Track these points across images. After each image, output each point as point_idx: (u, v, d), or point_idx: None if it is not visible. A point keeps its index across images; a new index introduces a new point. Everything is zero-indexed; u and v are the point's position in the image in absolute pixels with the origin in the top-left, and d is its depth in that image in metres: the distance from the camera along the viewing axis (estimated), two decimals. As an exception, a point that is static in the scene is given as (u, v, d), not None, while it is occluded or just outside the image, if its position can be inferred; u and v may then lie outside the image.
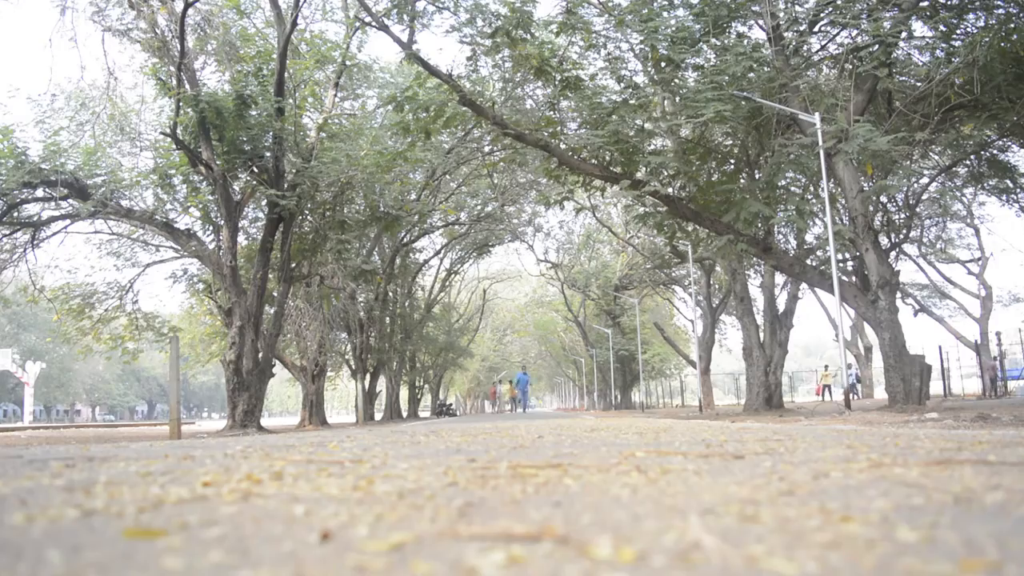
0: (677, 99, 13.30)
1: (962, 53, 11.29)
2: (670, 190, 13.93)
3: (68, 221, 15.34)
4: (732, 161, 15.64)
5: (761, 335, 17.41)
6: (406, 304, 28.73)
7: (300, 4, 14.11)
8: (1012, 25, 11.32)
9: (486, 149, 20.75)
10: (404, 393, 33.23)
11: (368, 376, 23.59)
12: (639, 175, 13.25)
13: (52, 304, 17.89)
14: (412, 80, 14.04)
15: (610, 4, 14.21)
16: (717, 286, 25.75)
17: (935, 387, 19.34)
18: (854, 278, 14.47)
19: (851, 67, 12.11)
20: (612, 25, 13.47)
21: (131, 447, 4.84)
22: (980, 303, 29.46)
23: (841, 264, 16.30)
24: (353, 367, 23.55)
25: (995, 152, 16.26)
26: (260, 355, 13.88)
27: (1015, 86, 11.83)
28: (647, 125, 14.22)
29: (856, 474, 1.99)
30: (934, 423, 6.74)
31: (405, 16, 13.45)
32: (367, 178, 15.75)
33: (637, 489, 1.77)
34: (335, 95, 17.11)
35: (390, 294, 25.89)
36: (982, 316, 29.06)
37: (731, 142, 15.61)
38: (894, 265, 15.13)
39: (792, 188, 16.49)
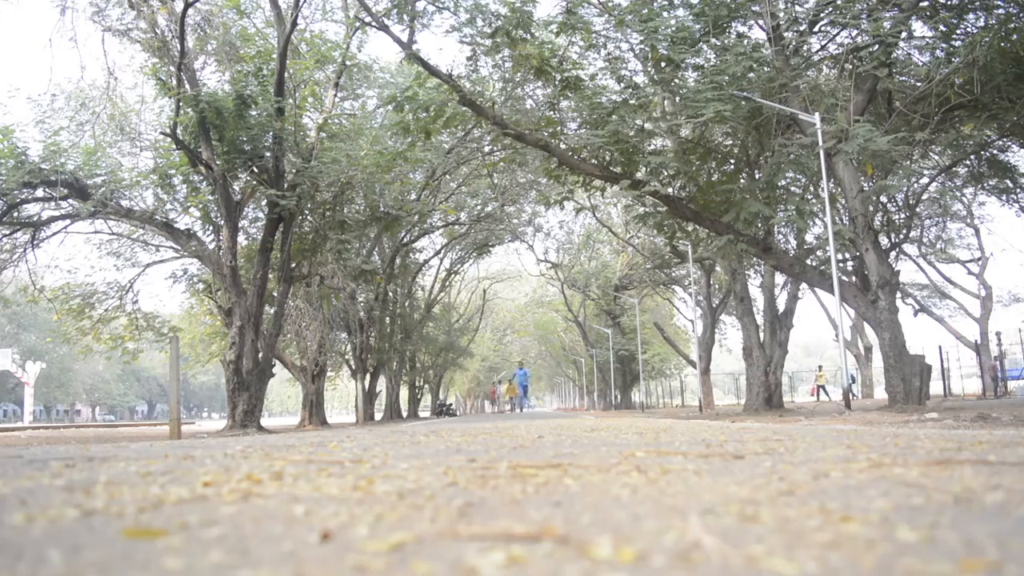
0: (677, 99, 13.31)
1: (962, 53, 11.29)
2: (670, 190, 13.94)
3: (68, 221, 15.34)
4: (732, 161, 15.64)
5: (761, 335, 17.41)
6: (406, 304, 28.73)
7: (300, 4, 14.11)
8: (1012, 25, 11.31)
9: (486, 149, 20.75)
10: (404, 393, 33.23)
11: (368, 376, 23.59)
12: (639, 175, 13.25)
13: (52, 304, 17.89)
14: (412, 80, 14.04)
15: (610, 4, 14.21)
16: (717, 286, 25.75)
17: (935, 387, 19.34)
18: (854, 278, 14.47)
19: (851, 67, 12.11)
20: (612, 25, 13.47)
21: (131, 447, 4.84)
22: (980, 303, 29.47)
23: (841, 264, 16.30)
24: (353, 367, 23.56)
25: (995, 152, 16.26)
26: (260, 355, 13.88)
27: (1015, 86, 11.83)
28: (647, 125, 14.22)
29: (856, 474, 1.99)
30: (934, 423, 6.74)
31: (405, 16, 13.45)
32: (367, 178, 15.75)
33: (637, 489, 1.77)
34: (335, 95, 17.11)
35: (390, 294, 25.89)
36: (982, 316, 29.07)
37: (731, 142, 15.61)
38: (894, 265, 15.14)
39: (792, 188, 16.49)
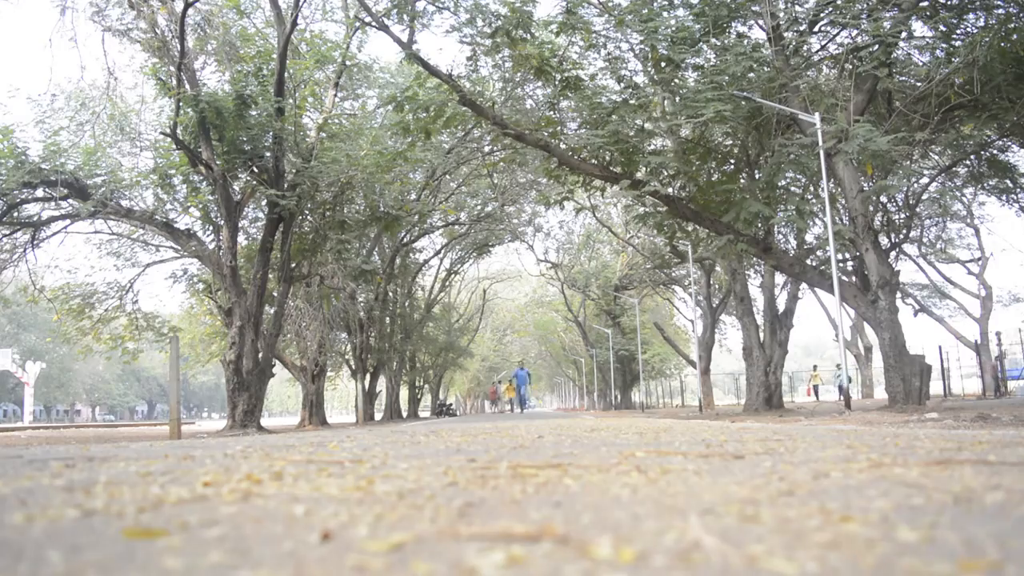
0: (677, 99, 13.30)
1: (962, 53, 11.28)
2: (670, 190, 13.93)
3: (68, 221, 15.34)
4: (732, 161, 15.63)
5: (761, 335, 17.41)
6: (406, 304, 28.73)
7: (300, 4, 14.11)
8: (1012, 25, 11.31)
9: (486, 149, 20.75)
10: (404, 393, 33.23)
11: (368, 376, 23.59)
12: (639, 175, 13.24)
13: (52, 304, 17.89)
14: (412, 80, 14.04)
15: (610, 4, 14.21)
16: (717, 286, 25.75)
17: (935, 387, 19.33)
18: (854, 278, 14.46)
19: (851, 67, 12.11)
20: (612, 25, 13.46)
21: (131, 447, 4.84)
22: (980, 303, 29.46)
23: (841, 264, 16.30)
24: (353, 367, 23.56)
25: (995, 152, 16.25)
26: (260, 355, 13.88)
27: (1015, 86, 11.82)
28: (647, 125, 14.22)
29: (856, 474, 1.99)
30: (934, 423, 6.74)
31: (405, 16, 13.45)
32: (367, 178, 15.75)
33: (637, 489, 1.77)
34: (335, 95, 17.11)
35: (390, 294, 25.89)
36: (982, 316, 29.06)
37: (731, 142, 15.61)
38: (894, 265, 15.13)
39: (792, 188, 16.49)
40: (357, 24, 15.86)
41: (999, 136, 15.38)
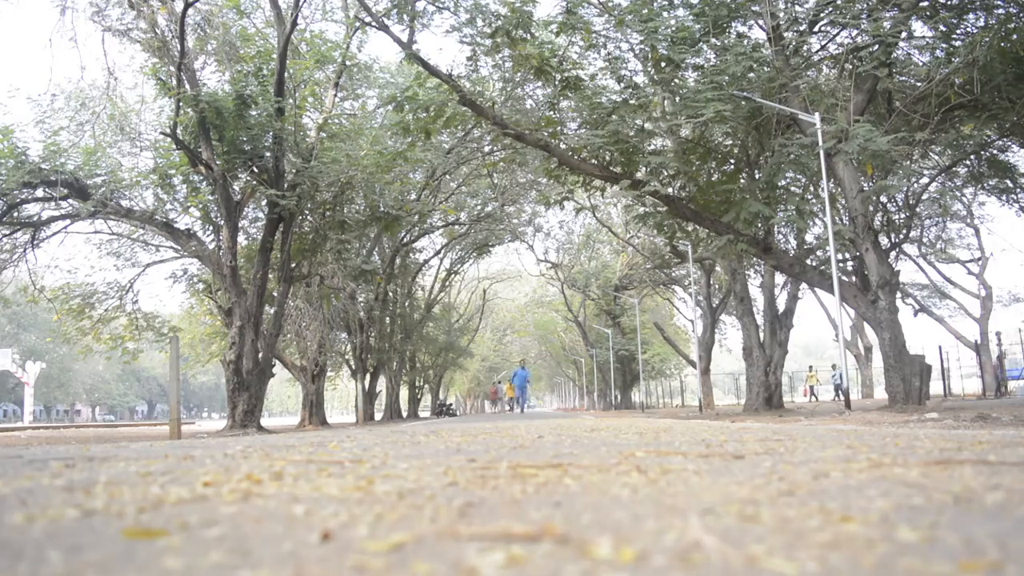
0: (677, 99, 13.30)
1: (962, 53, 11.28)
2: (670, 190, 13.93)
3: (68, 221, 15.34)
4: (732, 161, 15.63)
5: (761, 335, 17.41)
6: (406, 304, 28.73)
7: (300, 4, 14.11)
8: (1012, 25, 11.31)
9: (486, 149, 20.75)
10: (404, 393, 33.24)
11: (368, 376, 23.59)
12: (639, 175, 13.25)
13: (52, 304, 17.89)
14: (412, 80, 14.04)
15: (610, 4, 14.21)
16: (717, 286, 25.75)
17: (935, 387, 19.33)
18: (854, 278, 14.47)
19: (851, 67, 12.11)
20: (612, 25, 13.46)
21: (131, 447, 4.84)
22: (980, 303, 29.45)
23: (841, 264, 16.30)
24: (353, 367, 23.56)
25: (995, 152, 16.25)
26: (260, 355, 13.88)
27: (1015, 86, 11.82)
28: (647, 125, 14.22)
29: (856, 474, 1.99)
30: (934, 423, 6.74)
31: (405, 16, 13.45)
32: (367, 178, 15.75)
33: (637, 489, 1.77)
34: (335, 95, 17.11)
35: (390, 294, 25.89)
36: (982, 316, 29.05)
37: (731, 142, 15.61)
38: (894, 265, 15.13)
39: (792, 188, 16.49)
40: (357, 24, 15.87)
41: (999, 136, 15.38)
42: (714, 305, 24.71)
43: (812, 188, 16.26)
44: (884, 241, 16.70)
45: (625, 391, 38.48)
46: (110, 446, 5.32)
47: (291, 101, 14.72)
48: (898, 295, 12.95)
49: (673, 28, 12.37)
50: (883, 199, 16.73)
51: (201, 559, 1.03)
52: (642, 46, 13.31)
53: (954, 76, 11.84)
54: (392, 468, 2.44)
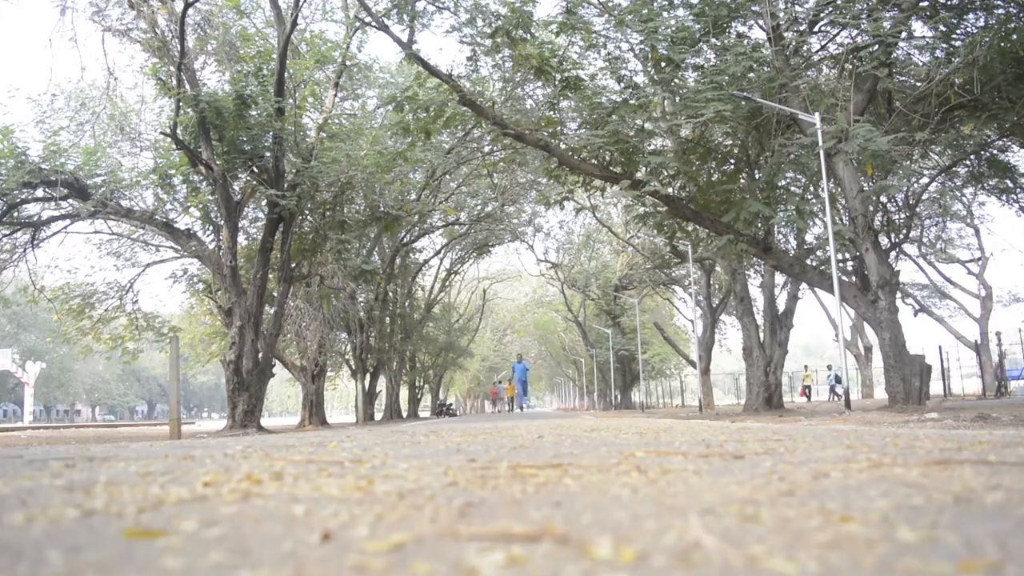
0: (677, 99, 13.30)
1: (962, 53, 11.28)
2: (670, 190, 13.93)
3: (68, 221, 15.34)
4: (732, 161, 15.63)
5: (761, 335, 17.41)
6: (406, 304, 28.73)
7: (300, 4, 14.11)
8: (1012, 25, 11.31)
9: (486, 149, 20.75)
10: (404, 393, 33.24)
11: (368, 376, 23.59)
12: (639, 175, 13.24)
13: (52, 304, 17.89)
14: (412, 80, 14.04)
15: (610, 4, 14.21)
16: (717, 286, 25.75)
17: (935, 387, 19.34)
18: (854, 278, 14.47)
19: (851, 67, 12.11)
20: (612, 25, 13.46)
21: (131, 447, 4.84)
22: (980, 303, 29.46)
23: (841, 264, 16.30)
24: (353, 367, 23.56)
25: (995, 152, 16.25)
26: (260, 355, 13.89)
27: (1015, 86, 11.82)
28: (647, 125, 14.22)
29: (856, 474, 1.99)
30: (934, 423, 6.74)
31: (405, 16, 13.45)
32: (367, 178, 15.75)
33: (637, 489, 1.77)
34: (335, 95, 17.11)
35: (390, 294, 25.89)
36: (982, 316, 29.06)
37: (731, 142, 15.61)
38: (894, 265, 15.13)
39: (792, 188, 16.49)
40: (357, 24, 15.86)
41: (999, 136, 15.38)
42: (714, 305, 24.71)
43: (812, 188, 16.26)
44: (884, 241, 16.70)
45: (625, 391, 38.49)
46: (110, 446, 5.32)
47: (291, 101, 14.72)
48: (898, 295, 12.95)
49: (673, 28, 12.37)
50: (883, 199, 16.73)
51: (201, 559, 1.03)
52: (642, 46, 13.31)
53: (954, 76, 11.84)
54: (392, 468, 2.44)
